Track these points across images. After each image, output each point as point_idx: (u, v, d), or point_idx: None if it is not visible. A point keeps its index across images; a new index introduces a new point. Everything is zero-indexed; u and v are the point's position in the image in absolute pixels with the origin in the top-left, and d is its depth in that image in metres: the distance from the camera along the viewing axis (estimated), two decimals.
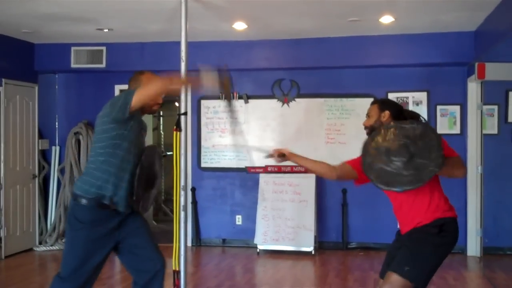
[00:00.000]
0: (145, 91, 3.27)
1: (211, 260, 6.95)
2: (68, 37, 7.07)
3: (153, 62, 7.06)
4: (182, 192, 4.00)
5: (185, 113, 3.99)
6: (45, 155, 7.83)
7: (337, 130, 7.30)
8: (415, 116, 3.40)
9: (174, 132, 3.91)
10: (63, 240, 7.35)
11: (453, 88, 7.06)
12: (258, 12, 5.71)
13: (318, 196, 7.19)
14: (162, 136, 10.33)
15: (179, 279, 3.92)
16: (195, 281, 5.77)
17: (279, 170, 7.34)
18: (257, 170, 7.41)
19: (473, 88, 6.86)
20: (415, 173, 3.08)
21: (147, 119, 6.56)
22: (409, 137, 3.15)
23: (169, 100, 6.13)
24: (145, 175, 3.42)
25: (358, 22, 6.11)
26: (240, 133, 3.55)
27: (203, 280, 5.90)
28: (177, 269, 3.89)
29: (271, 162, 7.27)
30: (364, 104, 6.85)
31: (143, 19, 6.04)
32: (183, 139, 4.01)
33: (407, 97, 7.15)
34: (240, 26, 6.31)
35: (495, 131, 7.03)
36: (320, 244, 7.31)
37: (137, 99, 3.22)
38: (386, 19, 5.99)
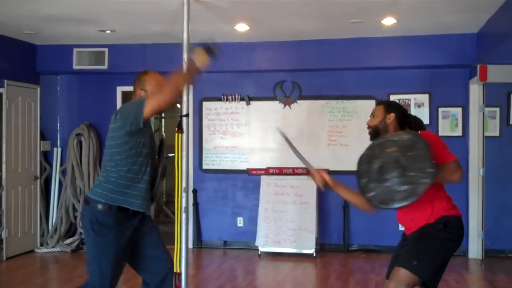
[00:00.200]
0: (155, 102, 3.26)
1: (212, 262, 6.93)
2: (70, 39, 7.07)
3: (155, 63, 7.01)
4: (184, 194, 4.00)
5: (187, 115, 4.00)
6: (46, 157, 7.83)
7: (338, 132, 7.29)
8: (417, 122, 3.40)
9: (176, 134, 3.92)
10: (65, 242, 7.36)
11: (455, 90, 7.05)
12: (260, 13, 5.71)
13: (320, 198, 7.17)
14: (164, 137, 10.31)
15: (180, 281, 3.90)
16: (196, 283, 5.76)
17: (280, 172, 7.34)
18: (259, 172, 7.41)
19: (475, 90, 6.86)
20: (409, 187, 3.06)
21: None
22: (398, 150, 3.12)
23: None
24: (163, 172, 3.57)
25: (360, 24, 6.11)
26: (301, 157, 3.65)
27: (204, 282, 5.89)
28: (178, 271, 3.88)
29: (273, 163, 7.38)
30: (366, 106, 6.92)
31: (145, 20, 6.05)
32: (184, 141, 4.03)
33: (409, 99, 7.14)
34: (242, 27, 6.31)
35: (497, 133, 7.02)
36: (322, 246, 7.29)
37: (148, 111, 3.23)
38: (388, 21, 5.99)
